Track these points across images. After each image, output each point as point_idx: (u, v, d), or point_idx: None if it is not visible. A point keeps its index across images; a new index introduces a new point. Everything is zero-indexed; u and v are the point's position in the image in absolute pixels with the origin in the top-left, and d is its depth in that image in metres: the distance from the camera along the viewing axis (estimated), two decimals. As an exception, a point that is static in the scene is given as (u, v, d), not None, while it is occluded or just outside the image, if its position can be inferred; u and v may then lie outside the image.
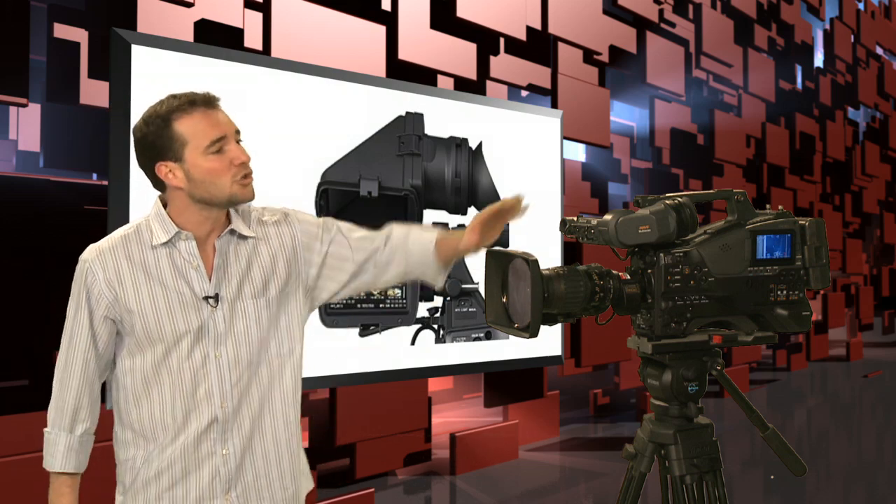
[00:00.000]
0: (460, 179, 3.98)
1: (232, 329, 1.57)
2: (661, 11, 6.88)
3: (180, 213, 1.58)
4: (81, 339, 1.57)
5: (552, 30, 5.58)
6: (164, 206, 1.60)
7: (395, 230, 1.73)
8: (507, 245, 4.12)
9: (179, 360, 1.54)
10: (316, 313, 3.43)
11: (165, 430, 1.55)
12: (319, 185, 3.49)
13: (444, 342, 3.91)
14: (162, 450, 1.55)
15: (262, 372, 1.61)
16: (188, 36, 3.76)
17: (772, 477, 4.77)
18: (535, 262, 1.36)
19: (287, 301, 1.65)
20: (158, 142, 1.53)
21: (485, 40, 5.11)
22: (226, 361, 1.57)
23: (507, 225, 4.20)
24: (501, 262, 1.47)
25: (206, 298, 1.56)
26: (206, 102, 1.55)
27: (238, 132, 1.58)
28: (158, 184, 1.59)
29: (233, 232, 1.61)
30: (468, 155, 4.03)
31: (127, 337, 1.57)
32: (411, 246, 1.70)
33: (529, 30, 5.41)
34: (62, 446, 1.57)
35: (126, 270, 1.55)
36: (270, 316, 1.62)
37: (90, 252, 1.58)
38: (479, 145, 4.09)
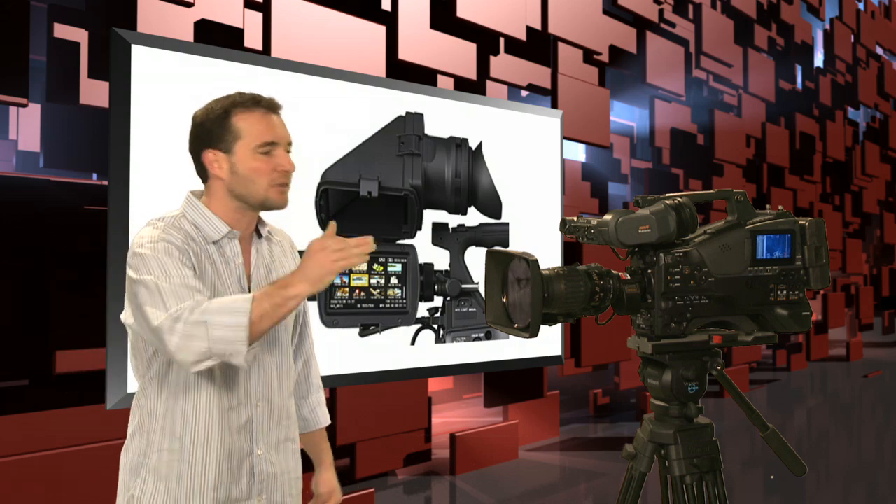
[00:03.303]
0: (460, 179, 3.98)
1: (269, 331, 1.58)
2: (661, 11, 6.87)
3: (218, 206, 1.58)
4: (189, 282, 1.44)
5: (552, 30, 5.58)
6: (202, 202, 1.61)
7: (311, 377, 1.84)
8: (507, 245, 4.12)
9: None
10: (315, 313, 3.44)
11: (202, 425, 1.53)
12: (319, 185, 3.49)
13: (444, 342, 3.91)
14: (203, 447, 1.53)
15: (290, 378, 1.68)
16: (188, 36, 3.76)
17: (772, 477, 4.77)
18: (535, 262, 1.36)
19: (290, 319, 1.71)
20: (215, 130, 1.56)
21: (485, 40, 5.11)
22: (259, 362, 1.60)
23: (507, 225, 4.22)
24: (501, 262, 1.47)
25: None
26: (269, 106, 1.60)
27: (290, 143, 1.62)
28: (202, 171, 1.61)
29: (260, 234, 1.66)
30: (468, 155, 4.03)
31: None
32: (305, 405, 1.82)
33: (529, 30, 5.41)
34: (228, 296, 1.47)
35: (195, 256, 1.53)
36: (290, 324, 1.70)
37: (157, 232, 1.50)
38: (479, 145, 4.09)
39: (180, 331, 1.37)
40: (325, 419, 1.83)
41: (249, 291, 1.59)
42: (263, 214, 1.75)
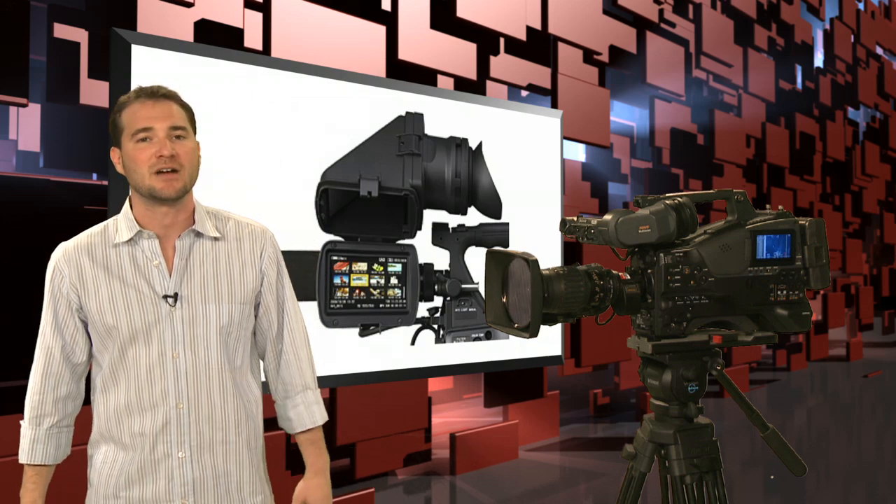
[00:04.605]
0: (460, 179, 3.98)
1: (192, 330, 1.57)
2: (661, 11, 6.87)
3: (136, 208, 1.60)
4: (46, 336, 1.61)
5: (552, 30, 5.58)
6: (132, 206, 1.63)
7: (292, 377, 1.73)
8: (507, 245, 4.12)
9: (136, 358, 1.55)
10: (316, 313, 3.44)
11: (122, 427, 1.56)
12: (319, 185, 3.49)
13: (444, 342, 3.91)
14: (121, 448, 1.56)
15: (226, 379, 1.61)
16: (188, 36, 3.76)
17: (772, 477, 4.77)
18: (535, 262, 1.36)
19: (252, 312, 1.68)
20: (111, 129, 1.59)
21: (485, 40, 5.11)
22: (183, 362, 1.57)
23: (507, 225, 4.22)
24: (501, 262, 1.47)
25: (166, 297, 1.56)
26: (149, 94, 1.57)
27: (176, 128, 1.55)
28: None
29: (196, 232, 1.61)
30: (468, 155, 4.03)
31: (93, 335, 1.59)
32: (289, 404, 1.73)
33: (529, 30, 5.41)
34: (28, 439, 1.60)
35: (88, 269, 1.57)
36: (234, 323, 1.63)
37: (58, 252, 1.61)
38: (479, 145, 4.09)
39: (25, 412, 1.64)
40: (309, 420, 1.72)
41: (171, 292, 1.57)
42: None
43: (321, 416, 1.75)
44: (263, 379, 1.76)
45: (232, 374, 1.62)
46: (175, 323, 1.56)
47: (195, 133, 1.62)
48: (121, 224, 1.60)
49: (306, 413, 1.72)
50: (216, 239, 1.63)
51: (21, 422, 1.62)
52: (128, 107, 1.56)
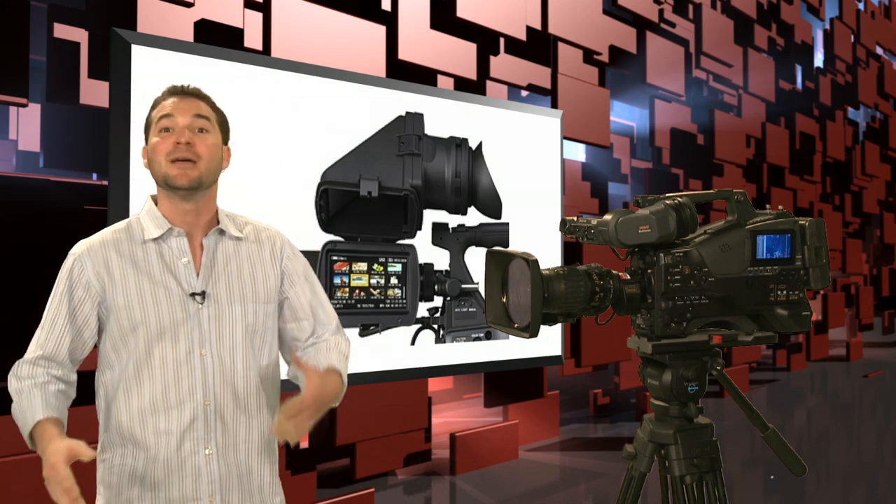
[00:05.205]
0: (460, 179, 3.98)
1: (218, 328, 1.58)
2: (661, 11, 6.87)
3: (161, 204, 1.61)
4: (58, 322, 1.56)
5: (552, 30, 5.58)
6: (156, 204, 1.64)
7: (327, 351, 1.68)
8: (507, 245, 4.12)
9: (163, 356, 1.54)
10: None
11: (146, 427, 1.54)
12: (319, 185, 3.49)
13: (444, 342, 3.91)
14: (143, 448, 1.54)
15: (251, 378, 1.61)
16: (188, 36, 3.76)
17: (772, 477, 4.77)
18: (535, 262, 1.36)
19: (274, 313, 1.68)
20: (145, 129, 1.62)
21: (485, 40, 5.11)
22: (210, 360, 1.57)
23: (507, 225, 4.21)
24: (501, 262, 1.47)
25: (193, 295, 1.56)
26: (178, 92, 1.60)
27: (199, 117, 1.58)
28: None
29: (221, 232, 1.63)
30: (468, 155, 4.03)
31: (113, 331, 1.56)
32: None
33: (529, 30, 5.41)
34: (39, 399, 1.49)
35: (115, 263, 1.56)
36: (259, 322, 1.63)
37: (80, 247, 1.60)
38: (479, 145, 4.09)
39: (13, 384, 1.54)
40: (325, 362, 1.62)
41: (199, 290, 1.57)
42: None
43: (342, 368, 1.64)
44: (284, 377, 1.75)
45: (257, 372, 1.63)
46: (202, 321, 1.56)
47: (226, 140, 1.65)
48: (146, 221, 1.60)
49: (324, 358, 1.64)
50: (239, 239, 1.65)
51: (15, 393, 1.52)
52: (158, 103, 1.60)
